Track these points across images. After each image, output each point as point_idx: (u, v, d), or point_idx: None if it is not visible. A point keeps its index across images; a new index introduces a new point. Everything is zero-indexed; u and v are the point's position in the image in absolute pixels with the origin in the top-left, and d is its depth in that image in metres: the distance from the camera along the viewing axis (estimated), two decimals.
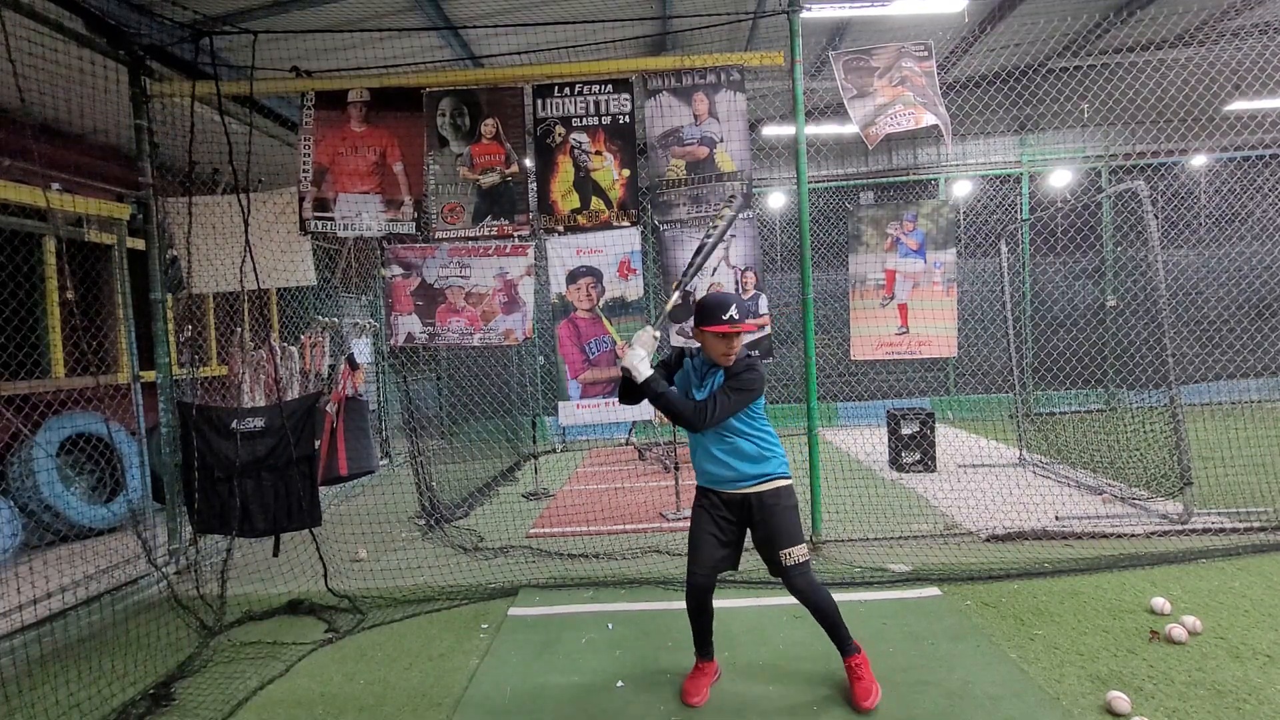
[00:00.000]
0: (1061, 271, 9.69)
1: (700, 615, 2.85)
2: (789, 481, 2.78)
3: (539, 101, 4.36)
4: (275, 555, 4.08)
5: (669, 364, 2.83)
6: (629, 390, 2.71)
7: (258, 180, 4.32)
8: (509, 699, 2.89)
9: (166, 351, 4.43)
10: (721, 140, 4.34)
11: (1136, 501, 5.11)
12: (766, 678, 2.97)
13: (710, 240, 2.95)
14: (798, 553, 2.71)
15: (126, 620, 3.82)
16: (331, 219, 4.34)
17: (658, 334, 2.72)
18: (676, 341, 4.44)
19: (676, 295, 2.84)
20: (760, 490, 2.72)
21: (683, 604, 3.74)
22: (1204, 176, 9.62)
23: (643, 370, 2.61)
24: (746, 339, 2.75)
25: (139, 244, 4.71)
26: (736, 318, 2.62)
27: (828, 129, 8.40)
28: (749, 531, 2.81)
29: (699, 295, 4.40)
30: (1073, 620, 3.36)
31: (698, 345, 2.80)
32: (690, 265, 2.91)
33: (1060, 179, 9.39)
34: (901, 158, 9.81)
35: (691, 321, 2.76)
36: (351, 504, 6.29)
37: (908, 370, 9.73)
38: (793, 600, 3.69)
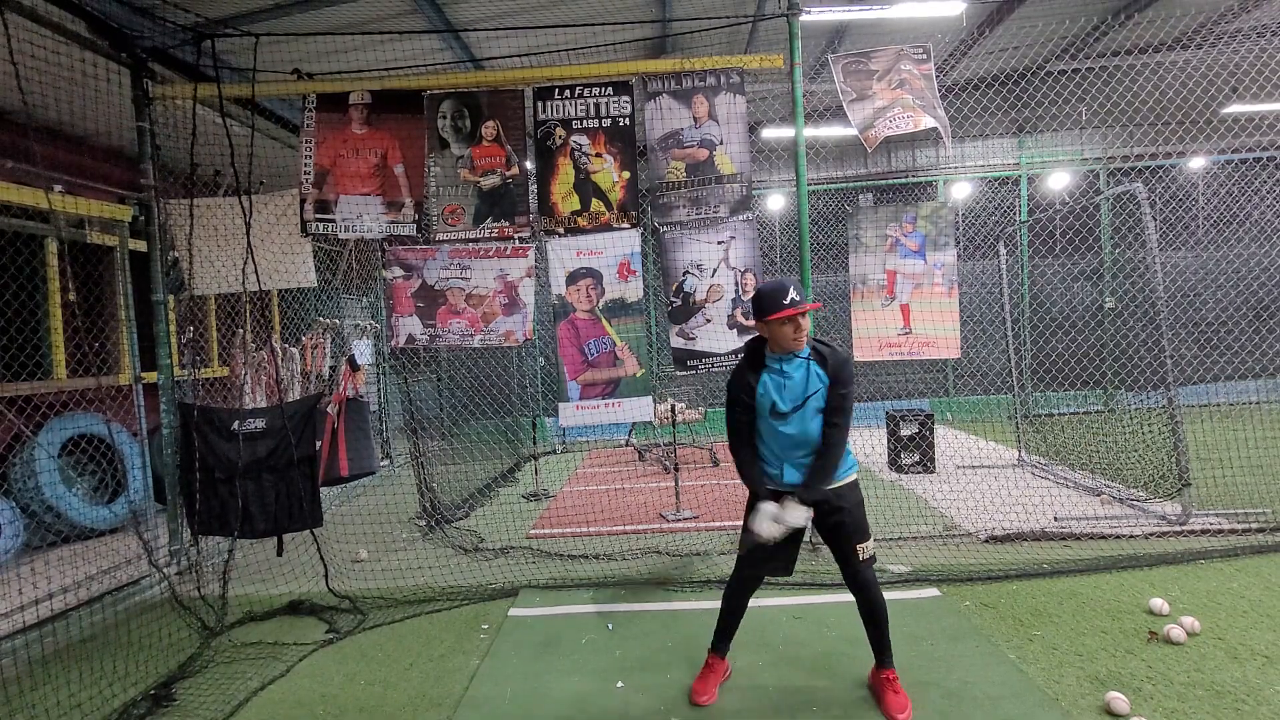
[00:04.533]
0: (1060, 273, 9.70)
1: (736, 608, 2.86)
2: (858, 477, 2.79)
3: (539, 104, 4.37)
4: (279, 555, 4.09)
5: (750, 386, 2.68)
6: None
7: (259, 182, 4.33)
8: (509, 699, 2.90)
9: (168, 353, 4.43)
10: (721, 142, 4.36)
11: (1135, 503, 5.13)
12: (767, 678, 2.98)
13: None
14: (870, 546, 2.72)
15: (127, 621, 3.83)
16: (332, 221, 4.36)
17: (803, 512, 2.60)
18: (676, 343, 4.45)
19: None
20: (838, 486, 2.70)
21: (683, 604, 3.75)
22: (1202, 179, 9.64)
23: (800, 515, 2.56)
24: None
25: (141, 245, 4.73)
26: (798, 299, 2.58)
27: (827, 131, 8.41)
28: (816, 528, 2.77)
29: (698, 296, 4.43)
30: (1071, 621, 3.37)
31: (749, 345, 2.77)
32: None
33: (1059, 181, 9.41)
34: (900, 160, 9.83)
35: (739, 318, 2.73)
36: (352, 505, 6.30)
37: (907, 371, 9.73)
38: (791, 601, 3.72)
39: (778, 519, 2.56)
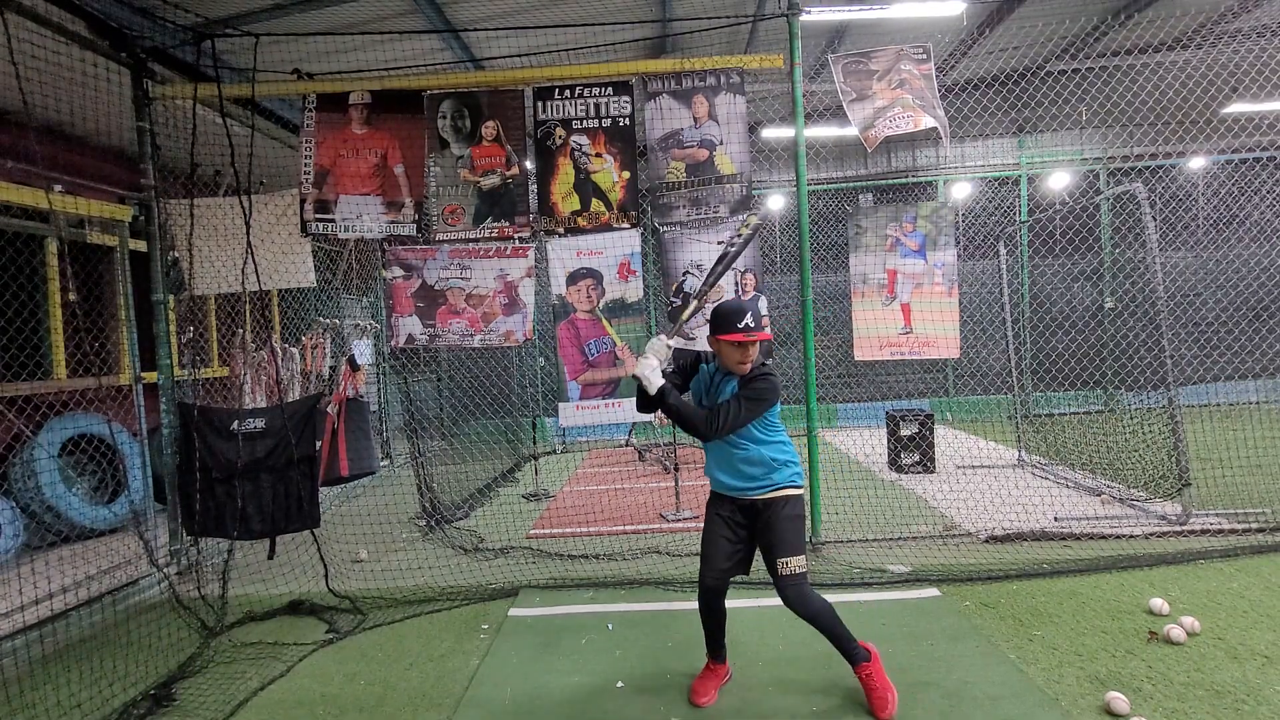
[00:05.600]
0: (1060, 273, 9.71)
1: (711, 617, 2.85)
2: (799, 492, 2.76)
3: (539, 104, 4.37)
4: (270, 557, 4.09)
5: (685, 370, 2.83)
6: (644, 398, 2.70)
7: (259, 182, 4.33)
8: (509, 699, 2.90)
9: (168, 353, 4.43)
10: (721, 143, 4.36)
11: (1135, 502, 5.13)
12: (766, 679, 2.99)
13: (733, 249, 2.93)
14: (795, 564, 2.68)
15: (127, 620, 3.83)
16: (332, 220, 4.36)
17: (671, 342, 2.71)
18: (676, 343, 4.44)
19: (694, 305, 2.82)
20: (769, 497, 2.71)
21: (683, 604, 3.75)
22: (1202, 179, 9.64)
23: (654, 380, 2.60)
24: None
25: (141, 245, 4.72)
26: (752, 325, 2.61)
27: (827, 131, 8.41)
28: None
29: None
30: (1071, 621, 3.37)
31: (712, 350, 2.80)
32: (711, 274, 2.89)
33: (1058, 181, 9.41)
34: (900, 160, 9.84)
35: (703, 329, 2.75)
36: (352, 505, 6.30)
37: (907, 372, 9.74)
38: None
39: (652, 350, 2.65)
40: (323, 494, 4.13)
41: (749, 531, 2.79)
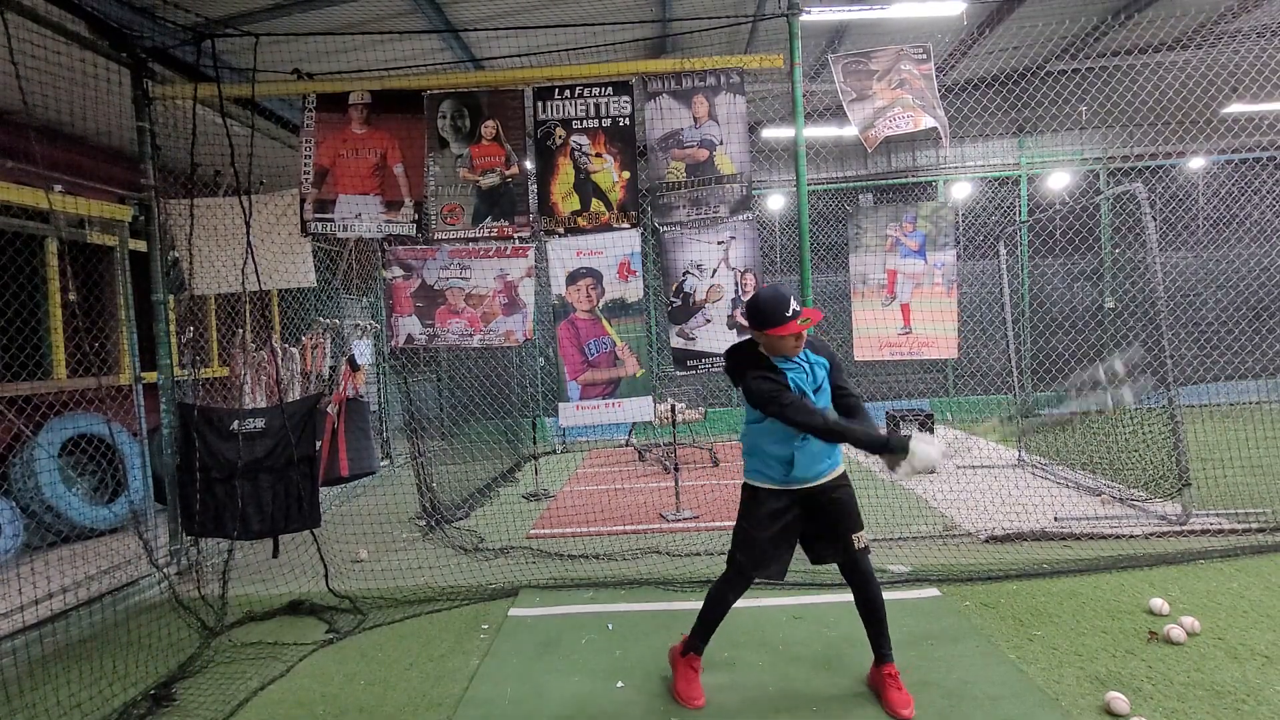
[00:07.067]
0: (1060, 273, 9.70)
1: (726, 611, 2.85)
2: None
3: (539, 103, 4.37)
4: (275, 556, 4.09)
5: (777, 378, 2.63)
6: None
7: (259, 182, 4.33)
8: (509, 700, 2.90)
9: (168, 353, 4.43)
10: (721, 143, 4.36)
11: (1135, 502, 5.13)
12: (767, 678, 2.98)
13: None
14: (865, 536, 2.76)
15: (127, 621, 3.82)
16: (331, 220, 4.36)
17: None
18: (676, 343, 4.45)
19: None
20: (835, 476, 2.76)
21: (683, 604, 3.75)
22: (1202, 179, 9.64)
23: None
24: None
25: (141, 245, 4.72)
26: (798, 310, 2.53)
27: (827, 131, 8.41)
28: (805, 523, 2.79)
29: (698, 297, 4.43)
30: (1071, 621, 3.37)
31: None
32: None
33: (1058, 181, 9.41)
34: (900, 160, 9.83)
35: (743, 322, 2.69)
36: (352, 505, 6.30)
37: (907, 372, 9.74)
38: (790, 601, 3.72)
39: (931, 447, 2.45)
40: (323, 494, 4.13)
41: (801, 522, 2.76)
